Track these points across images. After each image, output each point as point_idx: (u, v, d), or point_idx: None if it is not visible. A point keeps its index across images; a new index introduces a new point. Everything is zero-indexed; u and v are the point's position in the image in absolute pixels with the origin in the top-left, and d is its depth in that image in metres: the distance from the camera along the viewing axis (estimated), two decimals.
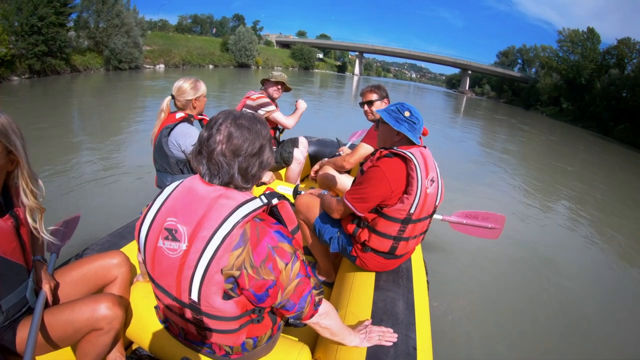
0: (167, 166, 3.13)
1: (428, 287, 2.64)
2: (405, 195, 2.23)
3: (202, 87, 3.14)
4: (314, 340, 2.26)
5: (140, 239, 1.52)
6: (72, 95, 18.07)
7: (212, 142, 1.36)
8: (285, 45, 79.36)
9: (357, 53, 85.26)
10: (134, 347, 2.31)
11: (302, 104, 4.49)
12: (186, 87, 3.08)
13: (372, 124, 3.76)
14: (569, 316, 4.10)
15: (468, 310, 3.86)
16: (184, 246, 1.36)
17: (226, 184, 1.41)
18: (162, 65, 40.13)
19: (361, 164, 2.55)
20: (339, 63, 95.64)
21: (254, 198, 1.40)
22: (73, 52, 26.49)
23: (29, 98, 16.35)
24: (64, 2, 24.31)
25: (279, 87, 4.49)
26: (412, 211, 2.25)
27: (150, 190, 4.65)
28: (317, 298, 1.52)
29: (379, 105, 3.67)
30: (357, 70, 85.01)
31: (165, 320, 1.77)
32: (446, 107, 35.91)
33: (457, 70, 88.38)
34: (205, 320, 1.46)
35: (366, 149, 3.58)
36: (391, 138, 2.39)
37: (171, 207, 1.44)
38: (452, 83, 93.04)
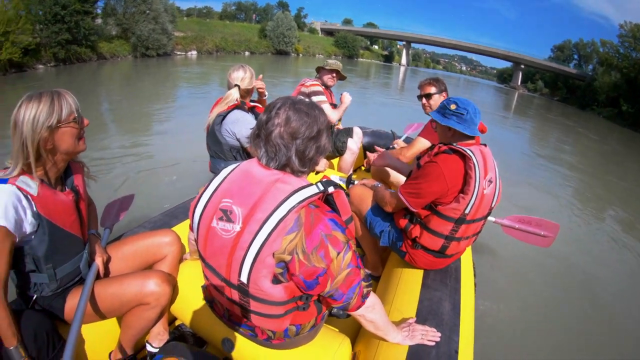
0: (221, 152, 3.25)
1: (475, 290, 2.61)
2: (461, 195, 2.22)
3: (253, 76, 3.28)
4: (355, 333, 2.27)
5: (195, 218, 1.58)
6: (100, 83, 18.78)
7: (270, 125, 1.41)
8: (330, 33, 78.73)
9: (404, 43, 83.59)
10: (177, 323, 2.44)
11: (347, 98, 4.49)
12: (247, 75, 3.22)
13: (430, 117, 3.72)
14: (615, 337, 4.01)
15: (512, 317, 3.87)
16: (237, 227, 1.40)
17: (283, 167, 1.45)
18: (194, 52, 40.88)
19: (418, 158, 2.55)
20: (385, 53, 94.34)
21: (311, 184, 1.43)
22: (100, 39, 27.59)
23: (55, 86, 17.42)
24: None
25: (334, 75, 4.56)
26: (467, 211, 2.24)
27: (204, 175, 5.03)
28: (365, 290, 1.53)
29: (437, 99, 3.66)
30: (404, 60, 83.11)
31: (211, 300, 1.84)
32: (496, 104, 34.48)
33: (508, 64, 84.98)
34: (252, 302, 1.50)
35: (423, 143, 3.57)
36: (445, 134, 2.38)
37: (227, 188, 1.49)
38: (504, 77, 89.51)
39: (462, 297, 2.29)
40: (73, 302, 1.82)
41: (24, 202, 1.60)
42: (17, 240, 1.59)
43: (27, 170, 1.65)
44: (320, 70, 4.64)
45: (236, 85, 3.19)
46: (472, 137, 2.33)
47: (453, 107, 2.30)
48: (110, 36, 29.97)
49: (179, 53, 38.24)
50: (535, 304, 4.20)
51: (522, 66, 72.25)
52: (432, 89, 3.66)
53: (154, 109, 12.34)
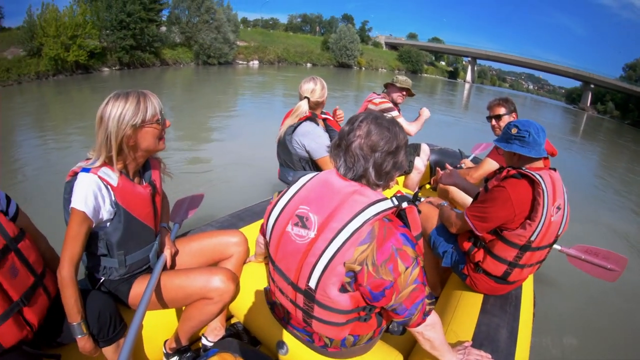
0: (290, 162, 3.28)
1: (533, 319, 2.55)
2: (528, 221, 2.18)
3: (325, 88, 3.27)
4: (409, 351, 2.23)
5: (269, 221, 1.63)
6: (163, 87, 19.82)
7: (351, 136, 1.45)
8: (394, 47, 78.03)
9: (469, 59, 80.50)
10: (233, 320, 2.50)
11: (425, 112, 4.43)
12: (318, 88, 3.21)
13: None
14: None
15: (569, 353, 3.69)
16: (312, 234, 1.45)
17: (359, 178, 1.48)
18: (256, 62, 42.07)
19: (486, 180, 2.53)
20: (450, 69, 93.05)
21: (386, 198, 1.46)
22: (163, 46, 29.22)
23: (118, 88, 18.46)
24: None
25: (404, 92, 4.44)
26: (532, 238, 2.19)
27: (272, 182, 5.17)
28: (427, 307, 1.53)
29: (506, 120, 3.54)
30: (469, 77, 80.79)
31: (272, 302, 1.88)
32: (564, 126, 32.40)
33: (577, 83, 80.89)
34: (316, 308, 1.53)
35: (491, 164, 3.51)
36: (511, 159, 2.35)
37: (305, 196, 1.54)
38: (572, 98, 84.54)
39: (520, 325, 2.24)
40: (138, 288, 1.90)
41: (104, 191, 1.69)
42: (94, 225, 1.69)
43: (108, 162, 1.73)
44: (389, 86, 4.51)
45: (306, 97, 3.20)
46: (539, 159, 2.28)
47: (514, 131, 2.27)
48: (173, 43, 31.56)
49: (240, 62, 39.50)
50: (595, 342, 3.97)
51: (592, 86, 67.53)
52: (502, 110, 3.56)
53: (219, 114, 12.91)
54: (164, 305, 1.98)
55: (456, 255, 2.57)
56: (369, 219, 1.38)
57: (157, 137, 1.82)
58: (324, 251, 1.41)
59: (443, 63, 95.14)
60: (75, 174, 1.70)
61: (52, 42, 21.03)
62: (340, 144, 1.48)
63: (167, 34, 30.97)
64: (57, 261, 1.65)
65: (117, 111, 1.66)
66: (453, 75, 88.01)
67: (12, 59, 21.00)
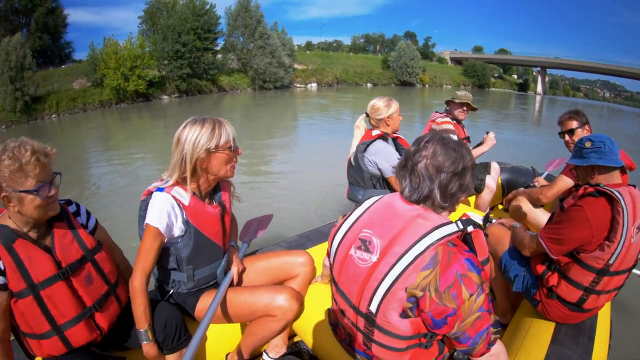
0: (361, 180, 3.34)
1: (609, 352, 2.40)
2: (606, 243, 2.07)
3: (394, 107, 3.27)
4: None
5: (333, 244, 1.66)
6: (221, 112, 20.94)
7: (417, 156, 1.44)
8: (459, 62, 76.32)
9: (538, 69, 77.32)
10: (295, 339, 2.51)
11: (490, 139, 4.30)
12: (379, 105, 3.27)
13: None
14: None
15: None
16: (374, 258, 1.45)
17: (424, 200, 1.46)
18: (314, 84, 42.63)
19: (561, 199, 2.43)
20: (520, 81, 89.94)
21: (450, 222, 1.44)
22: (219, 73, 31.21)
23: (175, 114, 20.10)
24: (208, 29, 29.39)
25: (465, 108, 4.40)
26: (611, 261, 2.08)
27: (341, 202, 5.29)
28: (492, 337, 1.49)
29: (580, 134, 3.39)
30: (539, 88, 75.89)
31: (334, 324, 1.89)
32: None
33: None
34: (376, 332, 1.52)
35: (566, 182, 3.36)
36: (587, 176, 2.25)
37: (369, 219, 1.56)
38: None
39: (593, 359, 2.13)
40: (204, 302, 2.02)
41: (177, 209, 1.84)
42: (166, 240, 1.84)
43: (181, 182, 1.88)
44: (450, 103, 4.48)
45: (365, 113, 3.34)
46: (617, 169, 2.20)
47: (588, 144, 2.21)
48: (230, 70, 33.37)
49: (298, 85, 40.32)
50: None
51: None
52: (574, 124, 3.42)
53: (280, 137, 13.55)
54: (228, 319, 2.08)
55: (528, 280, 2.47)
56: (432, 244, 1.38)
57: (227, 163, 1.93)
58: (385, 275, 1.41)
59: (515, 77, 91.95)
60: (151, 193, 1.86)
61: (112, 73, 23.40)
62: (406, 165, 1.49)
63: (224, 61, 32.74)
64: (130, 272, 1.83)
65: (194, 135, 1.79)
66: (523, 87, 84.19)
67: (78, 89, 23.74)
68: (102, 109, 22.87)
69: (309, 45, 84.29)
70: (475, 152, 4.26)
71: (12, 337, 1.68)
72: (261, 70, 33.46)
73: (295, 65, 41.73)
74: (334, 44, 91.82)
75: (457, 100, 4.34)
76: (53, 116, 21.23)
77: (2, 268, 1.55)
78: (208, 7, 30.62)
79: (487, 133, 4.33)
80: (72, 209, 1.84)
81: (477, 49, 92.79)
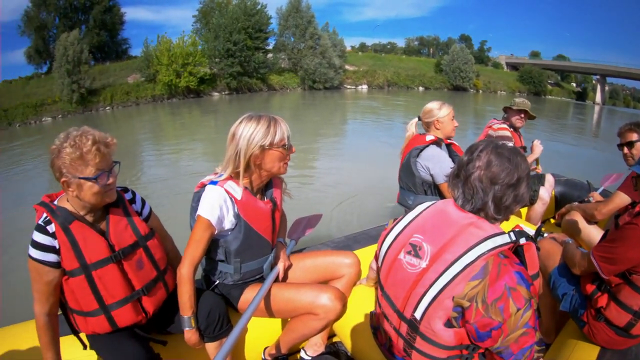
0: (412, 185, 3.30)
1: None
2: None
3: (445, 110, 3.21)
4: None
5: (383, 247, 1.65)
6: (270, 110, 21.41)
7: (470, 167, 1.42)
8: (515, 67, 74.07)
9: (598, 77, 73.76)
10: (334, 339, 2.52)
11: (538, 147, 4.35)
12: (430, 107, 3.25)
13: (631, 169, 3.39)
14: None
15: None
16: (424, 264, 1.44)
17: (477, 211, 1.45)
18: (364, 86, 42.62)
19: (616, 217, 2.35)
20: (578, 89, 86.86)
21: (503, 233, 1.42)
22: (270, 72, 31.80)
23: (225, 111, 20.67)
24: (259, 29, 30.20)
25: (522, 115, 4.33)
26: None
27: (390, 206, 5.23)
28: (536, 355, 1.45)
29: None
30: (598, 98, 71.54)
31: (376, 327, 1.88)
32: None
33: None
34: (418, 340, 1.51)
35: (622, 199, 3.21)
36: None
37: (420, 224, 1.55)
38: None
39: None
40: (249, 295, 2.04)
41: (229, 203, 1.88)
42: (216, 232, 1.89)
43: (234, 177, 1.92)
44: (507, 110, 4.43)
45: (418, 117, 3.34)
46: None
47: None
48: (280, 69, 33.94)
49: (348, 87, 40.40)
50: None
51: None
52: (635, 136, 3.29)
53: (331, 138, 13.69)
54: (270, 314, 2.11)
55: (577, 299, 2.37)
56: (483, 254, 1.36)
57: (281, 161, 1.95)
58: (433, 282, 1.40)
59: (573, 84, 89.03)
60: (204, 185, 1.92)
61: (165, 69, 24.64)
62: (459, 175, 1.47)
63: (274, 60, 33.39)
64: (179, 260, 1.88)
65: (249, 131, 1.82)
66: (581, 96, 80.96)
67: (132, 83, 25.24)
68: (154, 103, 24.03)
69: (362, 47, 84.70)
70: (527, 160, 3.99)
71: (60, 312, 1.75)
72: (311, 70, 33.83)
73: (347, 67, 41.85)
74: (388, 46, 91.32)
75: (514, 107, 4.29)
76: (107, 108, 22.52)
77: (57, 247, 1.61)
78: (259, 7, 31.25)
79: (533, 142, 4.35)
80: (128, 196, 1.91)
81: (534, 54, 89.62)
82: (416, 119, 3.34)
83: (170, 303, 1.94)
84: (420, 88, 49.35)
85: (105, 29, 33.82)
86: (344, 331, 2.18)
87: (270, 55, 32.95)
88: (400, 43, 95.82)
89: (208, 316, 1.90)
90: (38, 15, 32.62)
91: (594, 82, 79.85)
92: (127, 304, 1.74)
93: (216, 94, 27.42)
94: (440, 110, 3.21)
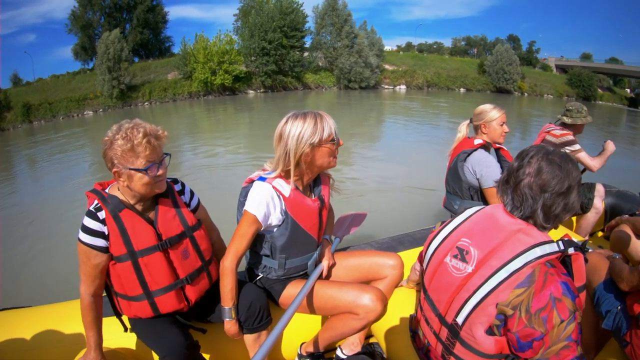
0: (459, 190, 3.31)
1: None
2: None
3: (493, 114, 3.19)
4: None
5: (429, 250, 1.68)
6: (305, 109, 22.04)
7: (521, 173, 1.43)
8: (564, 70, 71.42)
9: None
10: (371, 340, 2.55)
11: (610, 146, 4.22)
12: (480, 110, 3.24)
13: None
14: None
15: None
16: (470, 269, 1.45)
17: (526, 218, 1.45)
18: (403, 87, 42.34)
19: None
20: (632, 95, 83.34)
21: (552, 241, 1.41)
22: (305, 71, 32.67)
23: (259, 108, 21.55)
24: (294, 27, 31.04)
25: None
26: None
27: (436, 209, 5.26)
28: None
29: None
30: None
31: (414, 330, 1.88)
32: None
33: None
34: (458, 346, 1.51)
35: None
36: None
37: (468, 228, 1.56)
38: None
39: None
40: (291, 290, 2.08)
41: (276, 199, 1.91)
42: (262, 228, 1.93)
43: (284, 175, 1.94)
44: (570, 125, 4.28)
45: (470, 119, 3.34)
46: None
47: None
48: (317, 68, 34.51)
49: (386, 87, 40.44)
50: None
51: None
52: None
53: (366, 137, 13.96)
54: (311, 310, 2.13)
55: (621, 318, 2.31)
56: (530, 261, 1.36)
57: (330, 156, 1.97)
58: (478, 288, 1.41)
59: (628, 90, 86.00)
60: (252, 181, 1.95)
61: (201, 67, 25.88)
62: (509, 181, 1.49)
63: (310, 59, 34.05)
64: (224, 252, 1.91)
65: (297, 130, 1.83)
66: (634, 103, 78.38)
67: (170, 80, 26.66)
68: (190, 100, 25.16)
69: (409, 46, 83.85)
70: (600, 161, 4.19)
71: (104, 295, 1.86)
72: (346, 69, 34.05)
73: (386, 66, 41.94)
74: (434, 46, 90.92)
75: (579, 122, 4.17)
76: (145, 104, 23.91)
77: (107, 233, 1.70)
78: (295, 6, 31.91)
79: (605, 142, 4.28)
80: (177, 187, 1.97)
81: (586, 57, 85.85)
82: (468, 120, 3.37)
83: (213, 293, 2.00)
84: (462, 89, 48.86)
85: (148, 27, 35.99)
86: (381, 332, 2.24)
87: (306, 54, 33.69)
88: (448, 43, 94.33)
89: (249, 309, 1.96)
90: (84, 15, 35.08)
91: None
92: (171, 291, 1.82)
93: (251, 91, 28.46)
94: (488, 114, 3.21)
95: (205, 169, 8.52)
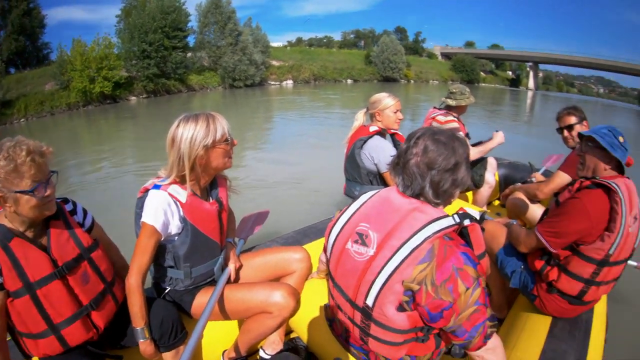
0: (358, 176, 3.43)
1: (605, 346, 2.50)
2: (606, 233, 2.16)
3: (387, 102, 3.35)
4: None
5: (330, 238, 1.77)
6: (190, 111, 21.69)
7: (408, 154, 1.54)
8: (450, 57, 76.90)
9: (531, 64, 78.17)
10: (292, 335, 2.61)
11: (500, 137, 4.47)
12: (374, 99, 3.40)
13: (570, 150, 3.71)
14: None
15: None
16: (371, 252, 1.54)
17: (417, 196, 1.56)
18: (290, 82, 44.10)
19: (556, 194, 2.55)
20: (512, 76, 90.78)
21: (447, 216, 1.51)
22: (189, 72, 32.63)
23: (141, 115, 21.44)
24: (176, 27, 30.73)
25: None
26: (611, 252, 2.17)
27: (337, 197, 5.50)
28: (489, 330, 1.53)
29: (578, 129, 3.53)
30: (531, 84, 73.45)
31: (331, 319, 1.98)
32: (638, 131, 29.47)
33: None
34: (373, 326, 1.59)
35: (563, 178, 3.46)
36: (601, 165, 2.28)
37: (365, 213, 1.65)
38: None
39: (589, 352, 2.23)
40: (201, 299, 2.10)
41: (173, 207, 1.92)
42: (162, 238, 1.93)
43: (179, 181, 1.97)
44: (453, 107, 4.56)
45: (367, 107, 3.49)
46: (621, 171, 2.31)
47: (621, 139, 2.24)
48: (201, 68, 34.69)
49: (273, 83, 41.32)
50: None
51: None
52: (573, 119, 3.61)
53: (259, 134, 14.50)
54: (225, 316, 2.15)
55: (525, 275, 2.58)
56: (428, 237, 1.44)
57: (226, 156, 2.02)
58: (382, 269, 1.48)
59: (509, 72, 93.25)
60: (147, 190, 1.93)
61: (78, 75, 24.72)
62: (399, 162, 1.58)
63: (194, 60, 34.14)
64: (126, 270, 1.88)
65: (189, 133, 1.86)
66: (515, 83, 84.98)
67: (46, 92, 25.01)
68: (69, 112, 23.98)
69: (299, 42, 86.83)
70: (484, 148, 4.45)
71: (9, 337, 1.74)
72: (230, 68, 34.55)
73: (273, 62, 43.04)
74: (324, 40, 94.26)
75: (463, 104, 4.46)
76: (22, 120, 22.15)
77: None
78: (178, 4, 31.77)
79: (497, 131, 4.51)
80: (68, 207, 1.91)
81: (469, 44, 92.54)
82: (365, 109, 3.51)
83: (122, 315, 1.95)
84: (349, 81, 51.12)
85: (24, 33, 33.27)
86: (300, 326, 2.28)
87: (189, 54, 33.80)
88: (338, 37, 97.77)
89: (161, 325, 1.93)
90: None
91: (527, 69, 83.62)
92: (76, 321, 1.74)
93: (133, 98, 27.95)
94: (382, 102, 3.37)
95: (95, 184, 8.43)
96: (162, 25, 29.63)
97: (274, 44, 57.99)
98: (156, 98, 28.53)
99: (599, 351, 2.31)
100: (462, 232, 1.58)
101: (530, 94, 67.12)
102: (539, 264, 2.43)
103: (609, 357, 2.82)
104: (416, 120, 18.03)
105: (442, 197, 1.56)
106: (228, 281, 2.19)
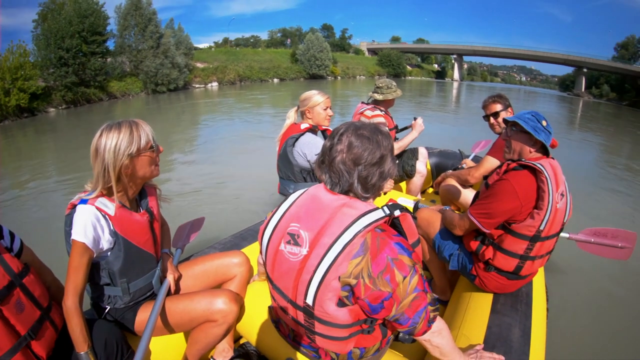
0: (291, 174, 3.52)
1: (547, 315, 2.65)
2: (535, 211, 2.30)
3: (316, 99, 3.50)
4: (421, 359, 2.38)
5: (263, 241, 1.79)
6: (112, 120, 21.49)
7: (333, 151, 1.57)
8: (376, 53, 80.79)
9: (455, 56, 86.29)
10: (242, 341, 2.63)
11: (419, 125, 4.65)
12: (303, 97, 3.51)
13: (497, 136, 3.91)
14: None
15: (587, 343, 3.74)
16: (304, 251, 1.57)
17: (346, 193, 1.59)
18: (215, 84, 43.73)
19: (485, 178, 2.67)
20: (438, 69, 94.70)
21: (377, 208, 1.55)
22: (110, 78, 31.82)
23: (62, 127, 20.81)
24: (95, 31, 29.72)
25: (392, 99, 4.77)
26: (541, 228, 2.31)
27: (273, 197, 5.63)
28: (432, 314, 1.61)
29: (504, 116, 3.73)
30: (456, 75, 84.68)
31: (276, 320, 2.02)
32: (559, 114, 32.22)
33: (570, 70, 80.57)
34: (317, 324, 1.64)
35: (492, 162, 3.68)
36: (527, 148, 2.43)
37: (295, 213, 1.68)
38: (566, 85, 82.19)
39: (533, 323, 2.34)
40: (144, 315, 2.10)
41: (102, 221, 1.90)
42: (95, 255, 1.89)
43: (106, 193, 1.95)
44: (382, 102, 4.79)
45: (297, 105, 3.59)
46: (546, 153, 2.46)
47: (544, 123, 2.38)
48: (122, 74, 33.91)
49: (197, 86, 40.93)
50: (614, 326, 4.03)
51: (585, 70, 69.45)
52: (498, 107, 3.81)
53: (187, 139, 14.41)
54: (170, 330, 2.15)
55: (463, 257, 2.69)
56: (360, 231, 1.48)
57: (152, 164, 2.03)
58: (317, 267, 1.52)
59: (435, 65, 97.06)
60: (74, 206, 1.89)
61: None
62: (324, 160, 1.62)
63: (114, 65, 33.29)
64: (62, 293, 1.81)
65: (112, 142, 1.84)
66: (441, 75, 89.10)
67: None
68: None
69: (225, 42, 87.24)
70: (406, 140, 4.66)
71: None
72: (152, 72, 33.87)
73: (197, 64, 42.92)
74: (252, 40, 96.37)
75: (390, 97, 4.68)
76: None
77: None
78: (96, 7, 30.58)
79: (415, 119, 4.68)
80: None
81: (395, 39, 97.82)
82: (296, 107, 3.62)
83: (64, 342, 1.88)
84: (275, 80, 52.49)
85: None
86: (249, 331, 2.32)
87: (109, 59, 32.85)
88: (265, 36, 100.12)
89: (106, 347, 1.89)
90: None
91: (452, 61, 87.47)
92: (16, 353, 1.65)
93: (52, 109, 26.61)
94: (312, 99, 3.50)
95: (20, 204, 7.97)
96: (79, 29, 28.59)
97: (202, 45, 58.95)
98: (76, 108, 27.61)
99: (542, 320, 2.46)
100: (393, 223, 1.67)
101: (455, 84, 71.80)
102: (474, 244, 2.57)
103: (553, 324, 3.21)
104: (346, 115, 18.66)
105: (371, 190, 1.62)
106: (168, 293, 2.22)
